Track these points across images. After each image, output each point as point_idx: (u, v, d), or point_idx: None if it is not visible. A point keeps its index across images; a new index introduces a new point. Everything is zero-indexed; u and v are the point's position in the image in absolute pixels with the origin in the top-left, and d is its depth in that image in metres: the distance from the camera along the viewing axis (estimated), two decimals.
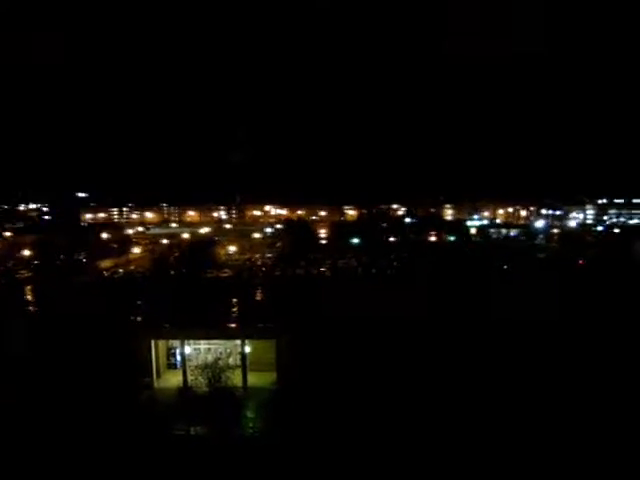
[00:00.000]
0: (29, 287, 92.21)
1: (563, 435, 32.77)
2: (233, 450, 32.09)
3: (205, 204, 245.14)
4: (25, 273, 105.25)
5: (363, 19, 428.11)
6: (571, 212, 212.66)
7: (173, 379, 45.09)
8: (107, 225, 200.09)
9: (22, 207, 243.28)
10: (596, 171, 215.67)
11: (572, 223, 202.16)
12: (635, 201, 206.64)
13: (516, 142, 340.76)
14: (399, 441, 32.23)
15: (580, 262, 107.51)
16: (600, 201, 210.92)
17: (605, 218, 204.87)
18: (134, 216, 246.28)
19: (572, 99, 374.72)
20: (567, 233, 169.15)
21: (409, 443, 32.08)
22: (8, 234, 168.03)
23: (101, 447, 31.88)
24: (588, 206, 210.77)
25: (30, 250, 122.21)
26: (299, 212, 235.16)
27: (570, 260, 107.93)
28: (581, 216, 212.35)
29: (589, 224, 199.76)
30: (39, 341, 49.41)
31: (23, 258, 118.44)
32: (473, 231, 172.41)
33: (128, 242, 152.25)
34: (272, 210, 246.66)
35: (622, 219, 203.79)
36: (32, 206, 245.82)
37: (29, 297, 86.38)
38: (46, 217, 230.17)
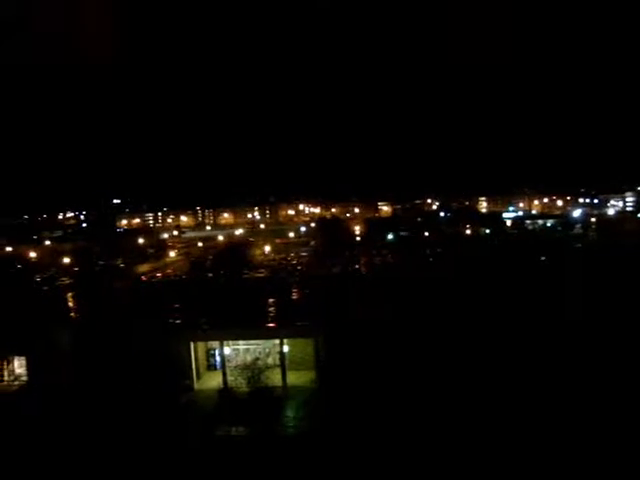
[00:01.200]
0: (70, 293, 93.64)
1: None
2: (275, 449, 32.02)
3: (239, 205, 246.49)
4: (66, 280, 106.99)
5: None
6: (609, 200, 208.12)
7: (213, 380, 45.30)
8: (143, 230, 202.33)
9: (60, 216, 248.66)
10: (635, 158, 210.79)
11: (611, 211, 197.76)
12: None
13: (549, 131, 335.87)
14: (446, 442, 31.59)
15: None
16: None
17: None
18: (169, 220, 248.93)
19: (605, 86, 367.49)
20: (606, 221, 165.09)
21: (456, 442, 31.48)
22: (48, 242, 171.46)
23: (144, 448, 32.17)
24: (628, 193, 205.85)
25: (69, 257, 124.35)
26: (333, 210, 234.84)
27: (611, 249, 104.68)
28: (620, 204, 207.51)
29: (629, 211, 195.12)
30: (82, 346, 49.99)
31: (63, 265, 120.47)
32: (509, 223, 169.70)
33: (164, 246, 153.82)
34: (306, 209, 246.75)
35: None
36: (70, 214, 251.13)
37: (71, 303, 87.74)
38: (84, 225, 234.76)
